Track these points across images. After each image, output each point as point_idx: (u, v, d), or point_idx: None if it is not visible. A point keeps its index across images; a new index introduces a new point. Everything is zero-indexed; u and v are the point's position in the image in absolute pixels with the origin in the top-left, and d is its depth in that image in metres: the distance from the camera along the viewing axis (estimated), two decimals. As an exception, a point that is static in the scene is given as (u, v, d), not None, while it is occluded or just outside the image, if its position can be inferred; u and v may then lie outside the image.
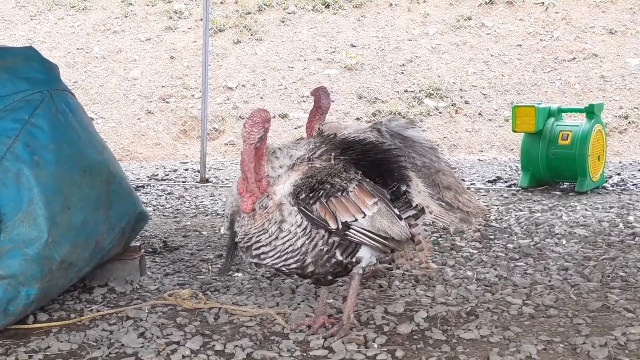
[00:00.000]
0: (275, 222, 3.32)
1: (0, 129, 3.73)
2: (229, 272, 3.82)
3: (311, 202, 3.33)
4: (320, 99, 4.74)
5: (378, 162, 3.59)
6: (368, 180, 3.50)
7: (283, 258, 3.38)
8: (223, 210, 3.66)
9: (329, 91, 4.88)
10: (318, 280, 3.56)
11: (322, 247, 3.38)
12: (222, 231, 3.61)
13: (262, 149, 3.34)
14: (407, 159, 4.22)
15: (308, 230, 3.34)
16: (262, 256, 3.40)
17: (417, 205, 3.60)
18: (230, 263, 3.63)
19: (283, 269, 3.45)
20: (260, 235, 3.34)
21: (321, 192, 3.35)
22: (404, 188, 3.59)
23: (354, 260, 3.47)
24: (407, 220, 3.55)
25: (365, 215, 3.40)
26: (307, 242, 3.35)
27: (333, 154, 3.49)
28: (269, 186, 3.36)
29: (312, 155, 3.48)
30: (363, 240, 3.42)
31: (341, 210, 3.36)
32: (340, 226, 3.35)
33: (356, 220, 3.39)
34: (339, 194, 3.37)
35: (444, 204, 4.20)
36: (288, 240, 3.34)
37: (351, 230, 3.39)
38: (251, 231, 3.35)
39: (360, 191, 3.42)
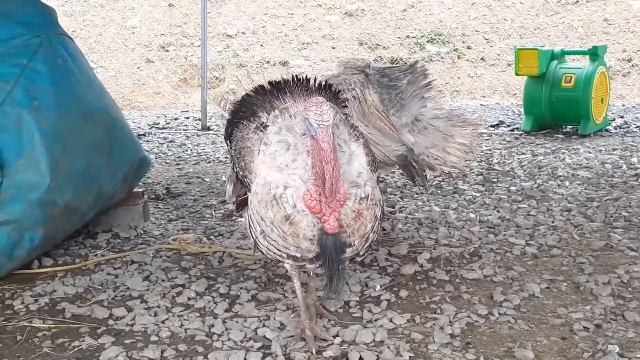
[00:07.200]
0: (377, 203, 2.73)
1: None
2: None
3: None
4: None
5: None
6: None
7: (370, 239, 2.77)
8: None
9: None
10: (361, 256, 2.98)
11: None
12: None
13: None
14: (394, 98, 4.08)
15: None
16: (361, 249, 2.76)
17: None
18: (342, 282, 2.77)
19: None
20: (376, 224, 2.73)
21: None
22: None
23: None
24: None
25: None
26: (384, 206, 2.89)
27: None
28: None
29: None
30: None
31: None
32: None
33: None
34: None
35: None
36: (378, 215, 2.77)
37: None
38: (367, 229, 2.69)
39: None
